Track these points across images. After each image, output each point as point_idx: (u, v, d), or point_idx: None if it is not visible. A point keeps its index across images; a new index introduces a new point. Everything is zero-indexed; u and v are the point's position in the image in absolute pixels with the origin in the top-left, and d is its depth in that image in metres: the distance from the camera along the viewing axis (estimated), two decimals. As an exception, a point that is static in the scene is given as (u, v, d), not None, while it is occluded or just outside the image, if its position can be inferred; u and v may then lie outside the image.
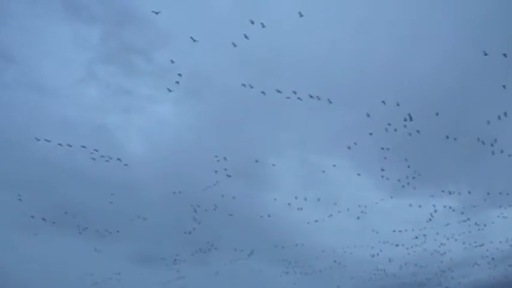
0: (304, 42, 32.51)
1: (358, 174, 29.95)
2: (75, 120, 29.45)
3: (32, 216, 26.43)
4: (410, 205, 30.58)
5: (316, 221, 31.37)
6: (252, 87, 23.74)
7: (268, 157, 33.36)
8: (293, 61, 33.13)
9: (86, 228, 28.24)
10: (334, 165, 28.83)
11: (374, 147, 27.74)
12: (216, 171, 27.88)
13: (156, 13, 21.60)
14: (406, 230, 32.00)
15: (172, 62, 23.88)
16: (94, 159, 25.85)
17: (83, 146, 25.35)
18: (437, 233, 31.88)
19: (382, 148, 26.60)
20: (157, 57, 31.90)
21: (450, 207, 30.83)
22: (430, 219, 30.66)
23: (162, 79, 32.90)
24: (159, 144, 32.52)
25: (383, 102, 23.83)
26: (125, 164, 26.50)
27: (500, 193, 29.59)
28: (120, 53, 30.43)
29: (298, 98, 23.50)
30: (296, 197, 29.78)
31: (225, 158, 27.24)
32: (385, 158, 27.23)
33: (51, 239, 29.98)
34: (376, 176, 30.42)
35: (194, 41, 22.40)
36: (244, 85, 23.97)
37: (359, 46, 32.78)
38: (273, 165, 30.24)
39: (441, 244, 32.20)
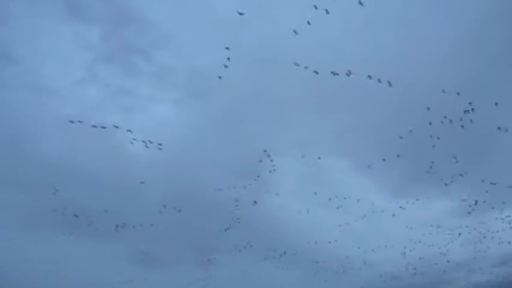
0: (307, 42, 31.83)
1: (397, 156, 27.93)
2: (75, 120, 28.90)
3: (76, 215, 25.83)
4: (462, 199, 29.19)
5: (348, 223, 30.27)
6: (306, 67, 22.64)
7: (270, 157, 32.09)
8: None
9: (124, 224, 27.35)
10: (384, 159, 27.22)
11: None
12: (260, 161, 26.56)
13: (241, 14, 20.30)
14: (438, 227, 30.92)
15: (227, 48, 22.51)
16: (132, 143, 25.05)
17: (116, 126, 24.95)
18: (474, 229, 30.21)
19: (432, 136, 24.80)
20: (158, 57, 31.78)
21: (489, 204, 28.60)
22: (469, 213, 28.64)
23: (162, 79, 32.79)
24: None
25: (444, 90, 22.19)
26: (160, 148, 25.88)
27: None
28: (121, 52, 30.53)
29: (347, 75, 22.00)
30: (336, 196, 28.50)
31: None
32: (433, 146, 25.44)
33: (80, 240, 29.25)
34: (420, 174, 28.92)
35: (241, 14, 20.91)
36: (297, 64, 22.24)
37: (362, 44, 31.97)
38: (303, 156, 28.73)
39: (482, 238, 30.09)
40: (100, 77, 30.27)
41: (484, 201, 28.59)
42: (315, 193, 28.68)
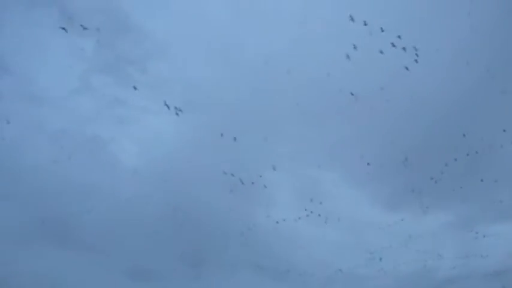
0: (299, 53, 31.95)
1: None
2: (68, 131, 28.79)
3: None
4: None
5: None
6: None
7: (264, 170, 32.16)
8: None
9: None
10: None
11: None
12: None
13: None
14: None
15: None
16: None
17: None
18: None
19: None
20: (152, 68, 31.63)
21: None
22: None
23: (158, 90, 32.62)
24: (154, 156, 31.43)
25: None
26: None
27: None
28: (115, 63, 30.38)
29: None
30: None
31: None
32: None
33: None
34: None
35: None
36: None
37: (355, 59, 32.12)
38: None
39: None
40: (95, 87, 30.17)
41: (475, 216, 29.10)
42: (306, 208, 28.96)
